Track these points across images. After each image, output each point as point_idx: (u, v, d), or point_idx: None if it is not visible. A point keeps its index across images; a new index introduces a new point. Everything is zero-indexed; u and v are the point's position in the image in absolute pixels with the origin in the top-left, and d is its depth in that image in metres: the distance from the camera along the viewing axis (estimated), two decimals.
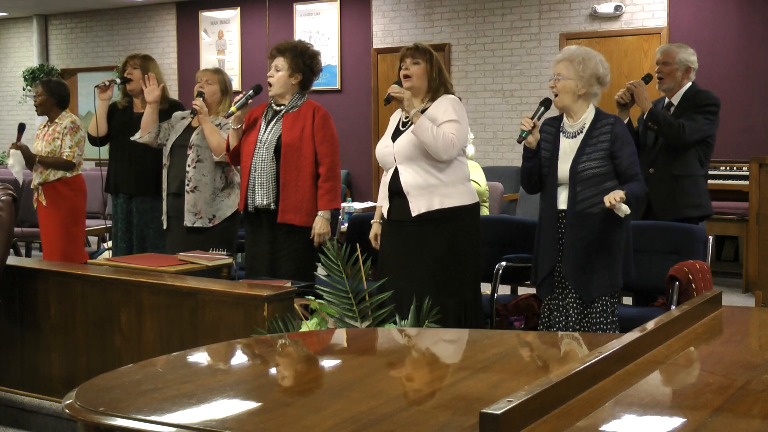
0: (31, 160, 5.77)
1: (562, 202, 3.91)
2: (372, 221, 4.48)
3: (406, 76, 4.21)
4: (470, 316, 4.16)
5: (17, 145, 5.80)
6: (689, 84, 4.91)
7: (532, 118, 3.91)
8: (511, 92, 9.63)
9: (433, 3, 10.06)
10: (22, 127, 6.21)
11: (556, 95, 3.95)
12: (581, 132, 3.93)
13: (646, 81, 4.90)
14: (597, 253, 3.85)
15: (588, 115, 3.94)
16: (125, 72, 5.52)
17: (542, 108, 3.96)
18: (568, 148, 3.92)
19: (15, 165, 5.79)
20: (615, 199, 3.67)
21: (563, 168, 3.90)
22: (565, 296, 3.95)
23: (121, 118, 5.54)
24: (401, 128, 4.24)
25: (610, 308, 3.93)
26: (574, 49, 4.00)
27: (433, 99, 4.21)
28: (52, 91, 5.84)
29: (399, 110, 4.34)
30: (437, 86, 4.23)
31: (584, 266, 3.86)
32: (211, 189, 4.91)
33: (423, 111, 4.13)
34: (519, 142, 3.95)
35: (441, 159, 4.07)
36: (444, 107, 4.15)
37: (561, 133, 3.98)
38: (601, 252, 3.85)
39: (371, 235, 4.43)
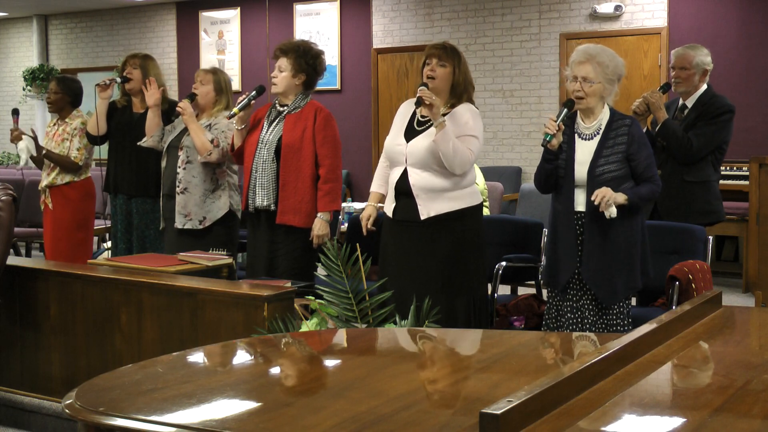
0: (38, 150, 5.75)
1: (580, 204, 3.85)
2: (366, 204, 4.40)
3: (430, 77, 4.08)
4: (479, 315, 4.15)
5: (32, 136, 5.78)
6: (705, 87, 4.88)
7: (556, 121, 3.77)
8: (511, 92, 9.63)
9: (433, 3, 10.06)
10: (16, 112, 6.18)
11: (580, 98, 3.82)
12: (597, 133, 3.86)
13: (664, 91, 4.86)
14: (617, 254, 3.81)
15: (603, 116, 3.87)
16: (125, 71, 5.51)
17: (565, 110, 3.82)
18: (585, 150, 3.85)
19: (30, 150, 5.78)
20: (603, 204, 3.65)
21: (581, 170, 3.83)
22: (579, 298, 3.91)
23: (120, 118, 5.53)
24: (416, 127, 4.13)
25: (626, 310, 3.90)
26: (596, 49, 3.87)
27: (453, 105, 4.10)
28: (69, 89, 5.79)
29: (407, 102, 4.25)
30: (461, 92, 4.12)
31: (605, 269, 3.81)
32: (201, 191, 4.85)
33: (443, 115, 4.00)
34: (543, 145, 3.80)
35: (454, 172, 4.00)
36: (465, 119, 4.05)
37: (575, 134, 3.90)
38: (621, 254, 3.81)
39: (364, 215, 4.33)
